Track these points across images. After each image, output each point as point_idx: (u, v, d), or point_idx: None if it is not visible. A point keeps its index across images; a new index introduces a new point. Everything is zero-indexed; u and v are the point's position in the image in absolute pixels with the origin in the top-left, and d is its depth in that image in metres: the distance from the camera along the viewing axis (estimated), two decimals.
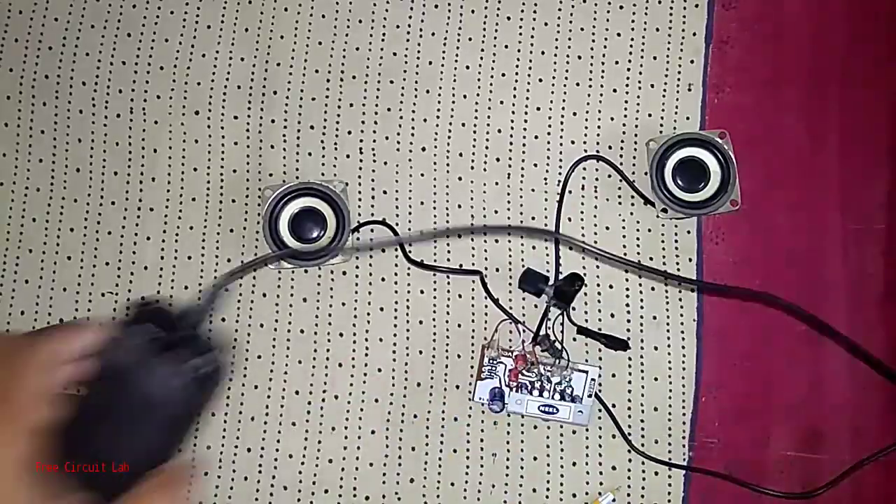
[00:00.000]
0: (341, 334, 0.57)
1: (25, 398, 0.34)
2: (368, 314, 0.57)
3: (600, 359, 0.57)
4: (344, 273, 0.58)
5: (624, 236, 0.58)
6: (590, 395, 0.55)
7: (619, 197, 0.58)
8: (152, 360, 0.33)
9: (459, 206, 0.58)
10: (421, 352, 0.57)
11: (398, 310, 0.57)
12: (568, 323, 0.56)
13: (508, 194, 0.58)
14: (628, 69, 0.59)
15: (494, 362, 0.55)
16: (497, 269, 0.58)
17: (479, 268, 0.57)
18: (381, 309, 0.57)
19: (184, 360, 0.33)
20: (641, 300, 0.57)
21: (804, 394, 0.57)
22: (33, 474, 0.33)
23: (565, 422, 0.55)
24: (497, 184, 0.59)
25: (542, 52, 0.59)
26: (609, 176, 0.58)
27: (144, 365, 0.33)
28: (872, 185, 0.58)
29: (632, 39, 0.59)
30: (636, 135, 0.58)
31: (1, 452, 0.33)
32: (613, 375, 0.56)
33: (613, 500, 0.55)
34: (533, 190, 0.58)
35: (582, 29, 0.60)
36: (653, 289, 0.57)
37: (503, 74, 0.59)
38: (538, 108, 0.59)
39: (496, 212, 0.58)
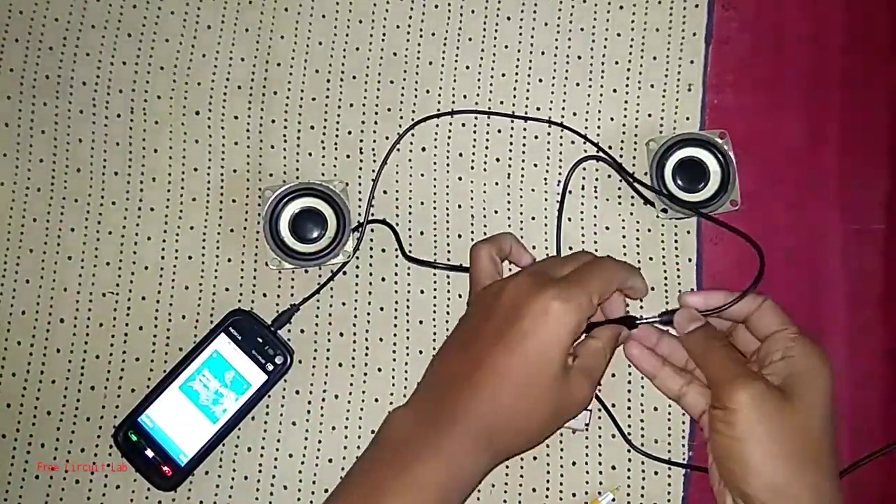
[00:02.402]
0: (341, 334, 0.57)
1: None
2: (368, 314, 0.57)
3: None
4: (344, 273, 0.58)
5: (624, 236, 0.58)
6: None
7: (619, 197, 0.58)
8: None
9: (459, 206, 0.58)
10: (421, 352, 0.57)
11: (398, 310, 0.57)
12: None
13: (508, 194, 0.58)
14: (628, 69, 0.59)
15: None
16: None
17: None
18: (381, 309, 0.57)
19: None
20: (641, 300, 0.57)
21: None
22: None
23: (574, 428, 0.55)
24: (497, 184, 0.59)
25: (542, 53, 0.60)
26: (609, 176, 0.58)
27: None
28: (872, 185, 0.58)
29: (632, 39, 0.59)
30: (636, 135, 0.59)
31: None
32: (613, 375, 0.56)
33: (613, 500, 0.55)
34: (533, 190, 0.58)
35: (582, 29, 0.60)
36: (653, 288, 0.57)
37: (503, 74, 0.59)
38: (538, 108, 0.59)
39: (496, 212, 0.58)
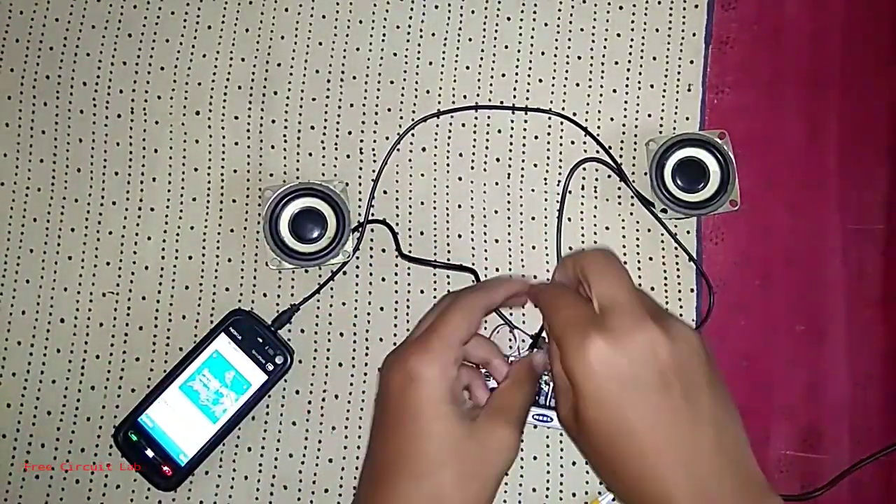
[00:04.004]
0: (341, 334, 0.57)
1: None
2: (368, 314, 0.57)
3: None
4: (344, 273, 0.58)
5: (624, 236, 0.58)
6: None
7: (619, 197, 0.58)
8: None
9: (459, 206, 0.58)
10: None
11: (398, 310, 0.57)
12: None
13: (508, 194, 0.58)
14: (628, 69, 0.59)
15: None
16: (497, 269, 0.58)
17: (479, 268, 0.57)
18: (381, 309, 0.57)
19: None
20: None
21: (804, 394, 0.57)
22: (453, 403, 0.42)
23: (559, 429, 0.55)
24: (497, 184, 0.59)
25: (542, 53, 0.60)
26: (609, 176, 0.58)
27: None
28: (872, 186, 0.58)
29: (632, 40, 0.59)
30: (636, 135, 0.59)
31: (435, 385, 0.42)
32: None
33: (613, 500, 0.55)
34: (533, 190, 0.58)
35: (582, 29, 0.60)
36: (653, 288, 0.57)
37: (503, 75, 0.59)
38: (538, 109, 0.59)
39: (496, 212, 0.58)
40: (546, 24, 0.60)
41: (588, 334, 0.39)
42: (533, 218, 0.58)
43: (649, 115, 0.59)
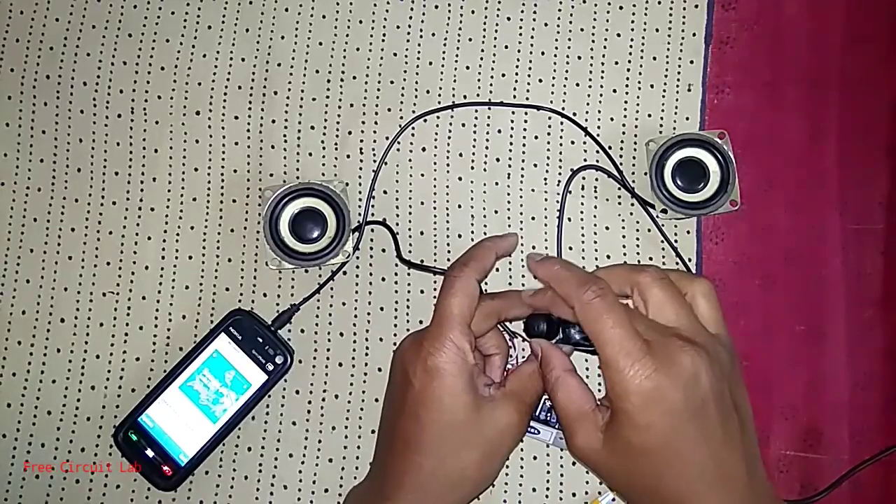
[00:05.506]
0: (341, 334, 0.57)
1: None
2: (368, 314, 0.57)
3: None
4: (344, 273, 0.58)
5: (624, 236, 0.58)
6: None
7: (619, 197, 0.58)
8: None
9: (459, 206, 0.58)
10: None
11: (398, 310, 0.57)
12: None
13: (508, 194, 0.58)
14: (628, 69, 0.59)
15: None
16: (497, 270, 0.58)
17: None
18: (381, 309, 0.57)
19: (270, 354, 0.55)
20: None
21: (804, 394, 0.57)
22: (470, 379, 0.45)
23: (547, 442, 0.55)
24: (497, 184, 0.59)
25: (542, 53, 0.60)
26: (609, 176, 0.58)
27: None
28: (871, 186, 0.58)
29: (632, 39, 0.59)
30: (636, 135, 0.59)
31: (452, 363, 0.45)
32: None
33: (613, 500, 0.55)
34: (533, 190, 0.58)
35: (582, 29, 0.60)
36: None
37: (503, 75, 0.59)
38: (538, 109, 0.59)
39: (496, 212, 0.58)
40: (546, 24, 0.60)
41: (645, 365, 0.40)
42: (533, 218, 0.58)
43: (649, 115, 0.59)
